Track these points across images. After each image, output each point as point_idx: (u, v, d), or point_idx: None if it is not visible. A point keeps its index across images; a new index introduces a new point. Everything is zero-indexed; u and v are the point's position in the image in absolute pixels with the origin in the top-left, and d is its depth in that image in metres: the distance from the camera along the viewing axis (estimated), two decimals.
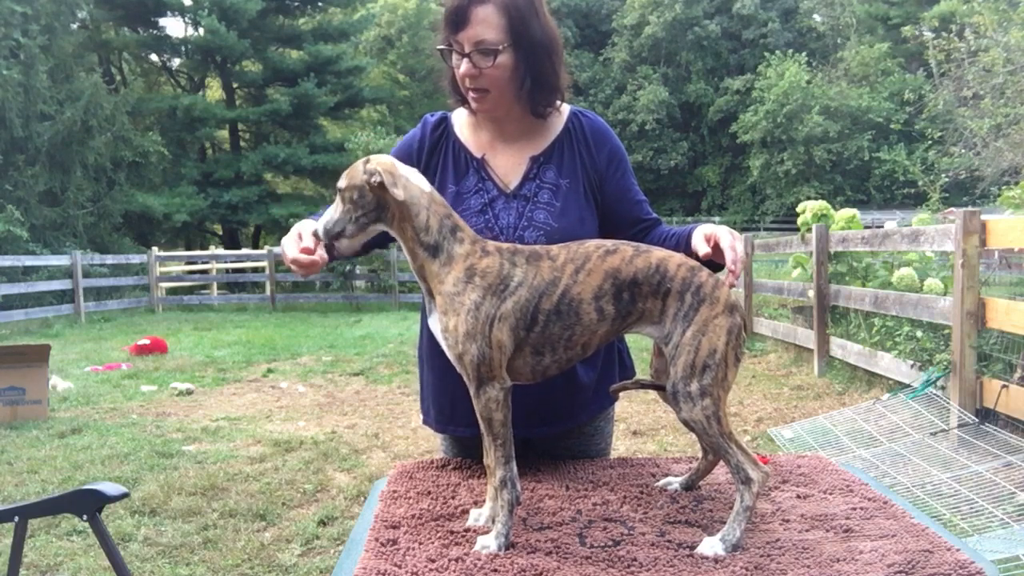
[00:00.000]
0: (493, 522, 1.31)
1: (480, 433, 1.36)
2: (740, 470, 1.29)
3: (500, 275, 1.31)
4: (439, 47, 1.61)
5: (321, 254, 1.40)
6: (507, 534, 1.28)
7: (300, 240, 1.42)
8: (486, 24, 1.53)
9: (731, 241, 1.43)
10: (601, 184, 1.69)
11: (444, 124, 1.73)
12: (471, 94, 1.60)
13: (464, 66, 1.56)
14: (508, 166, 1.68)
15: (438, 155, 1.70)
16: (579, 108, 1.76)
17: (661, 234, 1.66)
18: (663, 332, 1.35)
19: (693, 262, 1.38)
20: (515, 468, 1.33)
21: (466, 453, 1.77)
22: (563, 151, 1.69)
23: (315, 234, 1.40)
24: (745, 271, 9.23)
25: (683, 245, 1.56)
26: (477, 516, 1.39)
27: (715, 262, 1.47)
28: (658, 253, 1.37)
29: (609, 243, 1.38)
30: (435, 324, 1.37)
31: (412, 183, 1.35)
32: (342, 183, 1.37)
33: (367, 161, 1.35)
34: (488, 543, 1.27)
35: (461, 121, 1.73)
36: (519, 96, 1.62)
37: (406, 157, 1.69)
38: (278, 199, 25.27)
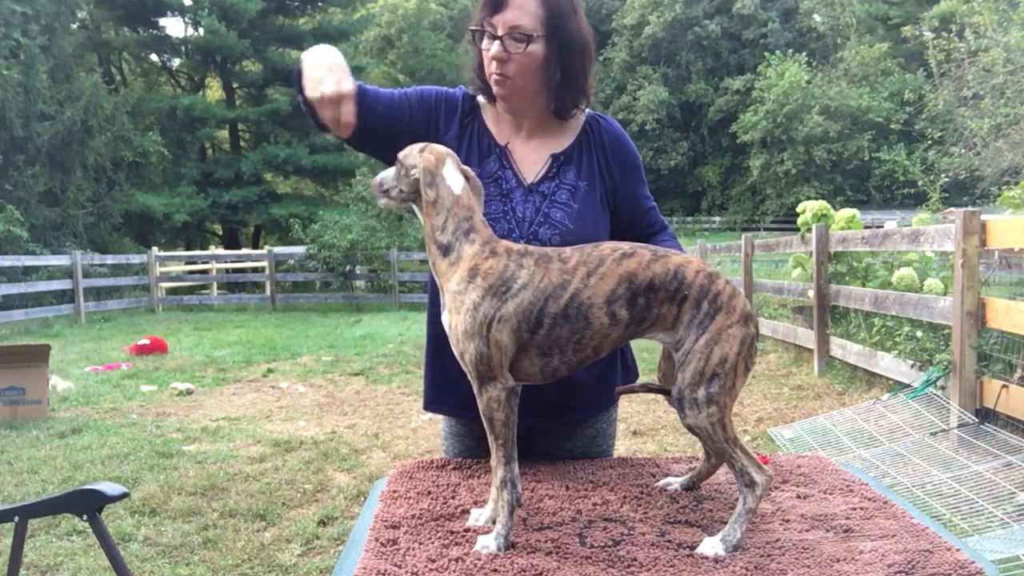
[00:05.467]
0: (493, 523, 1.31)
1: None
2: (744, 474, 1.29)
3: (502, 277, 1.30)
4: (471, 28, 1.60)
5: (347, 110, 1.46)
6: (507, 535, 1.27)
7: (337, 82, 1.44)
8: (524, 10, 1.54)
9: None
10: (615, 190, 1.69)
11: (475, 102, 1.72)
12: (495, 77, 1.59)
13: (495, 48, 1.55)
14: (529, 160, 1.67)
15: (465, 131, 1.69)
16: (596, 113, 1.75)
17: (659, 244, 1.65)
18: (675, 338, 1.33)
19: (711, 269, 1.37)
20: (516, 469, 1.33)
21: (467, 453, 1.76)
22: (582, 153, 1.68)
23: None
24: (745, 271, 9.23)
25: None
26: (477, 516, 1.39)
27: None
28: (676, 259, 1.35)
29: (626, 246, 1.36)
30: (445, 320, 1.38)
31: (445, 184, 1.37)
32: (401, 154, 1.43)
33: (423, 148, 1.41)
34: (488, 543, 1.27)
35: (483, 107, 1.72)
36: (543, 90, 1.61)
37: (431, 104, 1.69)
38: (278, 199, 25.29)
